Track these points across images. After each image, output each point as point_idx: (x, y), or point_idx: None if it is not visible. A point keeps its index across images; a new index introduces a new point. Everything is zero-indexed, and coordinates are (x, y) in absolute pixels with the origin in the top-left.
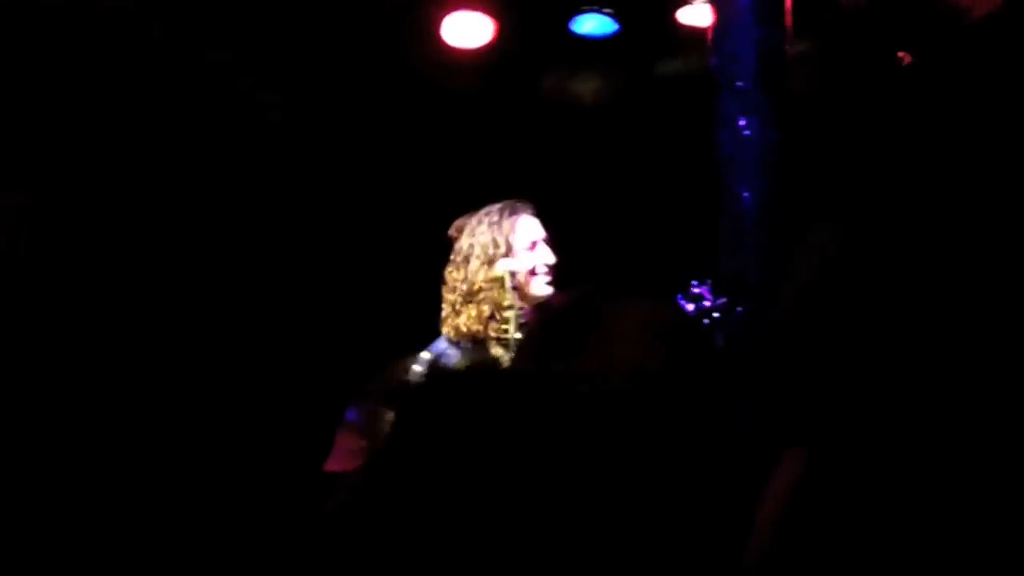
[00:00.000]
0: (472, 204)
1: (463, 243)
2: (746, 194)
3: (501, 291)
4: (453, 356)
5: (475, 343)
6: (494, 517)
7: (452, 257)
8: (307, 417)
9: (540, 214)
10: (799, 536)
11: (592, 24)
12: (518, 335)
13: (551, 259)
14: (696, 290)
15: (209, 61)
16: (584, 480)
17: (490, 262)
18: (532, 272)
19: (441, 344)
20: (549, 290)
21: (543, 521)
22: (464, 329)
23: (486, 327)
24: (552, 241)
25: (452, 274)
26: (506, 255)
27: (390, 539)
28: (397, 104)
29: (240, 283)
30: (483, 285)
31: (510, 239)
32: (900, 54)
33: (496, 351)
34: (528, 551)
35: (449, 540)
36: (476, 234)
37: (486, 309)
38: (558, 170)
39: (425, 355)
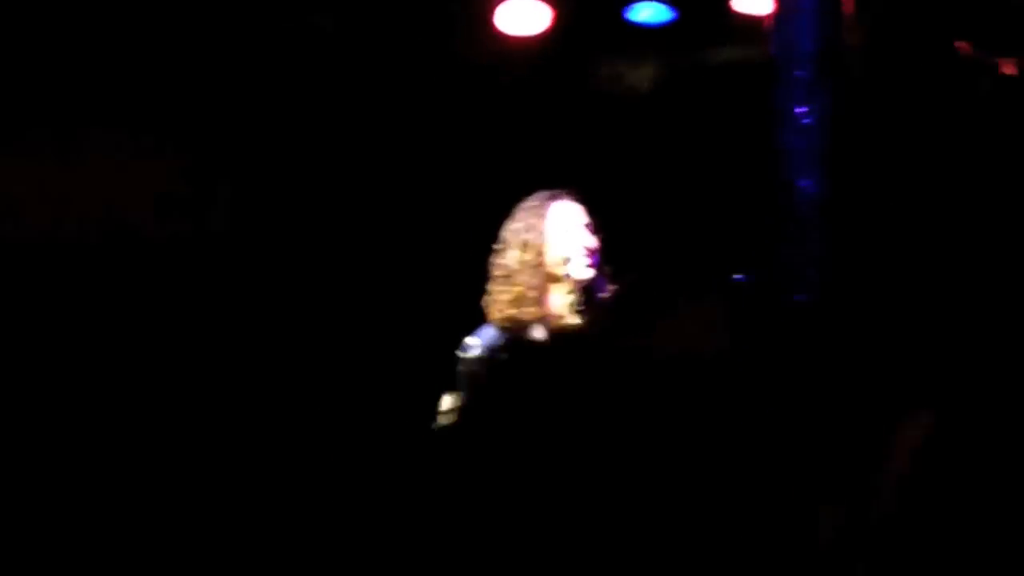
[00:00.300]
0: (525, 193)
1: (504, 230)
2: (805, 184)
3: (533, 273)
4: (496, 340)
5: (516, 326)
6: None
7: (495, 245)
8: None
9: (589, 202)
10: (926, 494)
11: (648, 12)
12: (575, 319)
13: (590, 243)
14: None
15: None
16: (654, 440)
17: (524, 246)
18: (568, 256)
19: (485, 330)
20: (589, 273)
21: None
22: (498, 313)
23: (520, 309)
24: (600, 228)
25: (495, 261)
26: (540, 240)
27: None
28: (451, 92)
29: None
30: (517, 268)
31: (544, 224)
32: (959, 44)
33: (536, 334)
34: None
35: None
36: (515, 220)
37: (517, 291)
38: (613, 159)
39: (470, 340)
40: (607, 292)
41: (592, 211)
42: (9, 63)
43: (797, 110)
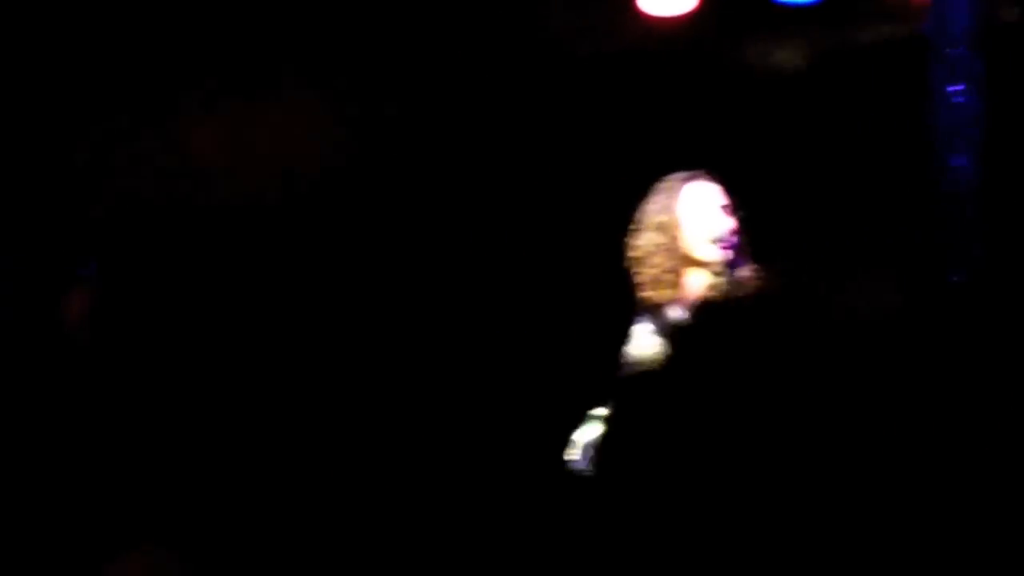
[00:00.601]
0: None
1: (640, 212)
2: (959, 162)
3: (668, 255)
4: (641, 323)
5: (654, 309)
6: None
7: (631, 227)
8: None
9: (734, 183)
10: None
11: None
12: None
13: (725, 225)
14: None
15: None
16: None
17: (658, 228)
18: (702, 238)
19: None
20: (724, 255)
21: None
22: (638, 296)
23: (655, 292)
24: (739, 208)
25: (631, 242)
26: (674, 221)
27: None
28: (593, 74)
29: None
30: (652, 250)
31: (677, 205)
32: None
33: (673, 315)
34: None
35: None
36: (650, 202)
37: (652, 272)
38: (761, 140)
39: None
40: (747, 273)
41: (734, 192)
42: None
43: (950, 88)
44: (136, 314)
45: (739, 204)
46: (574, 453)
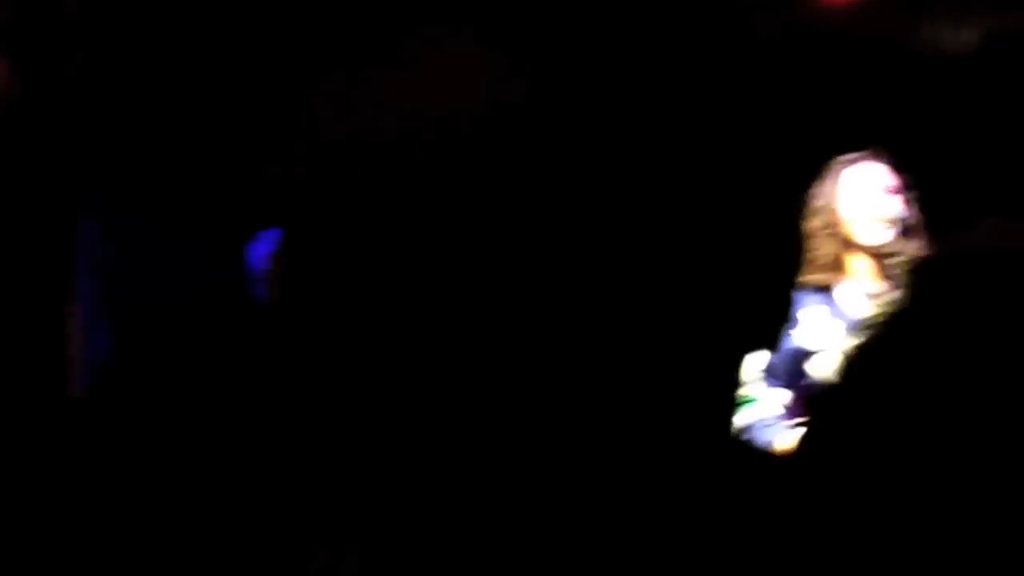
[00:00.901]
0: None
1: (809, 195)
2: None
3: (827, 240)
4: (804, 305)
5: (823, 292)
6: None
7: (803, 210)
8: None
9: (906, 164)
10: None
11: None
12: (877, 286)
13: (891, 209)
14: None
15: None
16: None
17: (819, 212)
18: (863, 221)
19: (800, 295)
20: (884, 238)
21: None
22: (802, 278)
23: (814, 275)
24: (911, 190)
25: (802, 226)
26: (833, 205)
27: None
28: (764, 58)
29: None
30: (815, 234)
31: (837, 187)
32: None
33: (840, 296)
34: None
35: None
36: (816, 185)
37: (812, 256)
38: (935, 124)
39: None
40: (916, 256)
41: (905, 173)
42: None
43: None
44: (325, 273)
45: (910, 185)
46: (748, 432)
